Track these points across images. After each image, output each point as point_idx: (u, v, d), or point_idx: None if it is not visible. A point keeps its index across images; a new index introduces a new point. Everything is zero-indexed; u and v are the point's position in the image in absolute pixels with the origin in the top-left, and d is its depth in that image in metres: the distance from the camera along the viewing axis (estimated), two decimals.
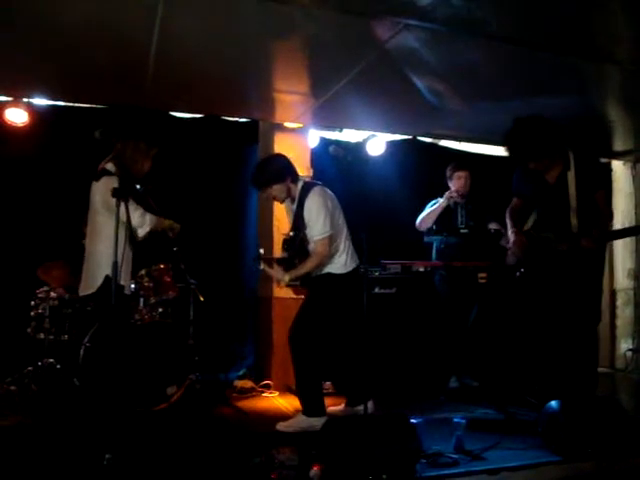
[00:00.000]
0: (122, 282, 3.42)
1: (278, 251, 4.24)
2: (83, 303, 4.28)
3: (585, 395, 3.51)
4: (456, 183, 5.06)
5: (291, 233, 3.94)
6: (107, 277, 3.42)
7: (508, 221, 4.07)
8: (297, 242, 3.84)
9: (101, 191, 3.48)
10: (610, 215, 3.87)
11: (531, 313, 3.96)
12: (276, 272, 3.87)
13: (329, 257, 3.77)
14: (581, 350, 3.79)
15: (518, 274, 3.98)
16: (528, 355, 4.08)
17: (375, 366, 4.47)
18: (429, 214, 5.07)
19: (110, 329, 3.38)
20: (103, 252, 3.47)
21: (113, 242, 3.16)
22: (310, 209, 3.72)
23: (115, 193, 3.00)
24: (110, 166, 3.55)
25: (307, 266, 3.75)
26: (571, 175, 3.71)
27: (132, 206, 3.41)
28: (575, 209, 3.70)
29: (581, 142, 3.88)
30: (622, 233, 5.13)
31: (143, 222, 3.50)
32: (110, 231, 3.42)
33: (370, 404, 3.86)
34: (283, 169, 3.83)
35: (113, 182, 3.41)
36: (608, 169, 6.56)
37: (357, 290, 3.83)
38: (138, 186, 3.69)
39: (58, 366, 4.22)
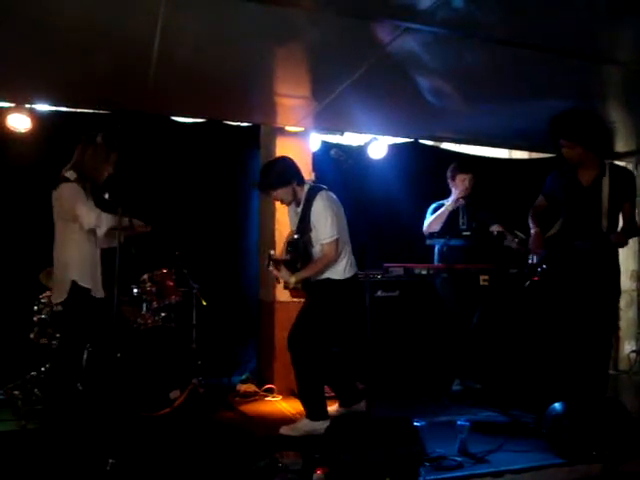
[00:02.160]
0: (88, 285, 3.54)
1: (280, 254, 4.24)
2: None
3: (589, 397, 3.50)
4: (459, 185, 5.05)
5: (295, 236, 3.95)
6: (74, 282, 3.54)
7: (530, 220, 4.11)
8: (301, 245, 3.85)
9: (59, 199, 3.56)
10: (636, 226, 3.91)
11: (550, 312, 3.95)
12: (283, 274, 3.88)
13: (335, 260, 3.78)
14: (596, 353, 3.79)
15: (540, 270, 3.98)
16: (537, 357, 4.07)
17: (378, 369, 4.47)
18: (436, 218, 5.06)
19: (86, 333, 3.53)
20: (66, 258, 3.56)
21: (74, 247, 3.49)
22: (317, 212, 3.73)
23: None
24: (70, 173, 3.61)
25: (315, 268, 3.77)
26: (605, 181, 3.78)
27: (86, 208, 3.49)
28: (606, 213, 3.76)
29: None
30: None
31: (99, 223, 3.53)
32: (68, 236, 3.52)
33: (362, 403, 3.89)
34: (289, 172, 3.84)
35: (70, 189, 3.49)
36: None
37: (355, 296, 3.85)
38: (107, 195, 3.73)
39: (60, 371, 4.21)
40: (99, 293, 3.67)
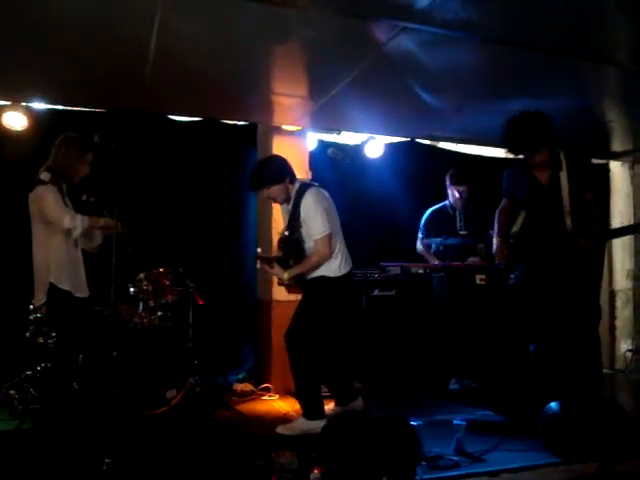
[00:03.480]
0: (66, 287, 3.58)
1: (273, 251, 4.25)
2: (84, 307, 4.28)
3: (585, 396, 3.50)
4: (452, 195, 5.09)
5: (286, 233, 3.95)
6: (52, 284, 3.59)
7: (495, 225, 4.12)
8: (292, 242, 3.85)
9: (36, 201, 3.59)
10: (602, 215, 3.87)
11: (527, 318, 3.96)
12: (276, 270, 3.88)
13: (329, 256, 3.78)
14: (584, 351, 3.79)
15: (512, 277, 3.99)
16: (525, 358, 4.07)
17: (375, 368, 4.48)
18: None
19: (70, 333, 3.56)
20: (42, 260, 3.58)
21: (49, 249, 3.53)
22: (307, 209, 3.73)
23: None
24: (44, 175, 3.63)
25: (308, 264, 3.77)
26: (563, 175, 3.75)
27: (59, 209, 3.52)
28: (569, 210, 3.73)
29: (577, 142, 3.90)
30: (618, 232, 5.13)
31: (74, 224, 3.56)
32: (45, 239, 3.53)
33: (359, 401, 3.89)
34: (281, 170, 3.84)
35: (45, 191, 3.50)
36: (604, 169, 6.58)
37: (350, 293, 3.86)
38: (93, 199, 3.76)
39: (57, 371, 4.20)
40: (81, 292, 3.69)
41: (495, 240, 4.07)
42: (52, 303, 3.59)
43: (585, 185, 3.78)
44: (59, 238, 3.60)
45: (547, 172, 3.81)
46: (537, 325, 3.91)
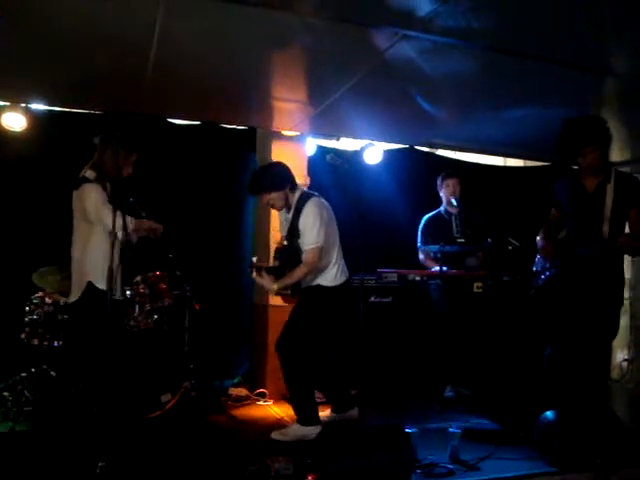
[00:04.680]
0: (104, 287, 3.45)
1: (270, 261, 4.24)
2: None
3: (581, 405, 3.50)
4: (446, 191, 5.09)
5: (285, 242, 3.94)
6: (89, 283, 3.52)
7: (541, 232, 4.08)
8: (290, 251, 3.84)
9: (80, 199, 3.53)
10: None
11: (553, 319, 3.95)
12: (265, 281, 3.83)
13: (319, 267, 3.77)
14: (595, 361, 3.79)
15: (544, 277, 3.98)
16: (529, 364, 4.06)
17: (370, 375, 4.47)
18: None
19: (98, 335, 3.38)
20: (84, 259, 3.53)
21: (89, 248, 3.44)
22: (306, 219, 3.72)
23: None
24: (89, 173, 3.59)
25: (295, 275, 3.73)
26: (610, 187, 3.74)
27: (108, 210, 3.45)
28: (609, 218, 3.72)
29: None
30: None
31: (122, 226, 3.50)
32: (86, 237, 3.50)
33: (355, 410, 3.88)
34: (282, 177, 3.84)
35: (92, 190, 3.47)
36: None
37: (345, 303, 3.85)
38: (132, 199, 3.73)
39: (52, 373, 4.19)
40: (117, 295, 3.65)
41: (540, 239, 4.03)
42: (87, 302, 3.52)
43: (630, 202, 3.76)
44: (100, 237, 3.53)
45: (595, 180, 3.80)
46: (558, 329, 3.89)
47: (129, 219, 3.56)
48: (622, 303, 3.87)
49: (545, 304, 3.98)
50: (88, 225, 3.57)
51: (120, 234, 3.48)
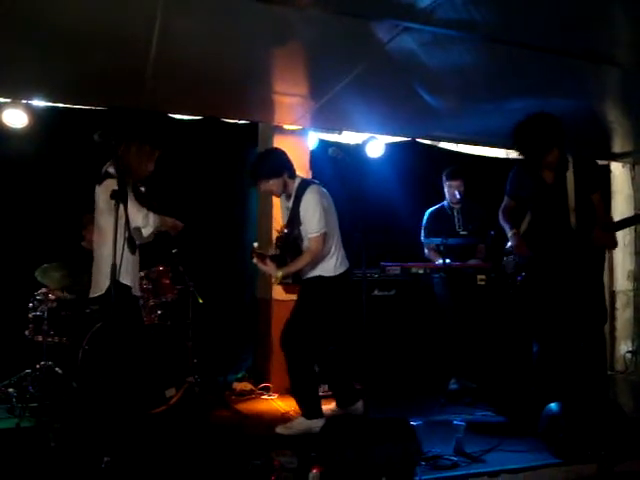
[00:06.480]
0: (128, 282, 3.44)
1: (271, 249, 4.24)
2: (82, 305, 4.26)
3: (585, 397, 3.50)
4: (449, 190, 5.09)
5: (285, 230, 3.94)
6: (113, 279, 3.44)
7: (505, 224, 4.07)
8: (291, 240, 3.84)
9: (103, 194, 3.49)
10: (611, 217, 3.87)
11: (535, 317, 3.94)
12: (269, 268, 3.85)
13: (322, 255, 3.77)
14: (589, 352, 3.78)
15: (520, 279, 3.97)
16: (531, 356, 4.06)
17: (374, 368, 4.47)
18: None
19: (118, 330, 3.32)
20: (107, 255, 3.48)
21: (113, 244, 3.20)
22: (306, 206, 3.72)
23: (113, 195, 2.99)
24: (112, 169, 3.55)
25: (300, 263, 3.75)
26: (570, 175, 3.74)
27: (135, 207, 3.40)
28: (574, 209, 3.72)
29: (578, 143, 3.88)
30: (621, 224, 5.09)
31: (147, 222, 3.47)
32: (109, 232, 3.45)
33: (359, 404, 3.88)
34: (281, 163, 3.84)
35: (114, 185, 3.42)
36: (606, 170, 6.57)
37: (346, 293, 3.85)
38: (143, 188, 3.68)
39: (56, 369, 4.20)
40: (136, 291, 3.64)
41: (511, 233, 4.00)
42: (109, 297, 3.50)
43: (591, 187, 3.77)
44: (122, 233, 3.51)
45: (553, 172, 3.80)
46: (541, 325, 3.89)
47: (153, 216, 3.53)
48: (603, 286, 3.87)
49: (526, 303, 3.96)
50: (108, 221, 3.49)
51: (147, 231, 3.46)
